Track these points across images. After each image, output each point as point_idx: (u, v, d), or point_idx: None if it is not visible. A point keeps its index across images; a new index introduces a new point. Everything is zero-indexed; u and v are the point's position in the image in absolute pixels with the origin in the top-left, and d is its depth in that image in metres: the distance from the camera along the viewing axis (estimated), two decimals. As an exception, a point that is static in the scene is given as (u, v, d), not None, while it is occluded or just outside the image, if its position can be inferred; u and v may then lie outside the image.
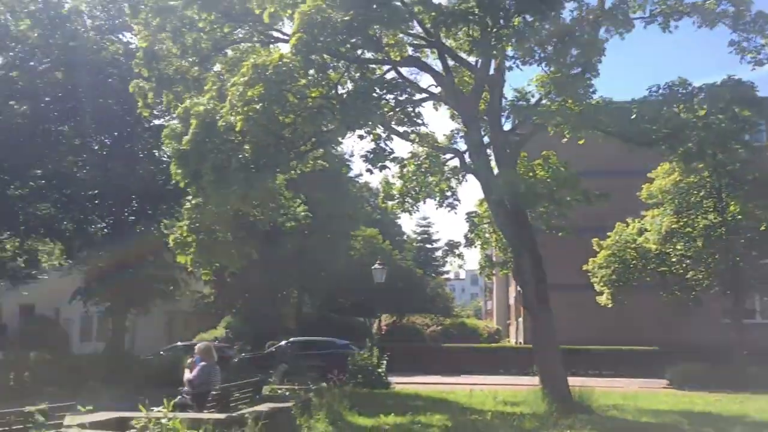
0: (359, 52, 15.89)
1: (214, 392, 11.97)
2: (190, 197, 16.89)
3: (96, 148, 27.38)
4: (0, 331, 37.42)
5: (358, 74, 16.26)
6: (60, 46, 24.83)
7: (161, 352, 28.83)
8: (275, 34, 17.82)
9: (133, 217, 27.74)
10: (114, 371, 23.86)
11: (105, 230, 28.04)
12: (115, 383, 21.28)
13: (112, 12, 26.76)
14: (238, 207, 16.38)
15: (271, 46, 18.22)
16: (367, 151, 16.00)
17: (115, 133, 26.84)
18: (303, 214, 24.61)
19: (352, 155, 44.47)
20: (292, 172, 18.92)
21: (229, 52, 18.51)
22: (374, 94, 14.99)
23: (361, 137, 16.23)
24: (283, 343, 27.57)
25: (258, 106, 13.78)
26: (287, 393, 16.21)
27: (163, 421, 8.51)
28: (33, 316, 39.67)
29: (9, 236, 28.97)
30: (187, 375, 12.43)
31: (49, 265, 33.15)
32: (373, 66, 17.31)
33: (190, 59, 17.51)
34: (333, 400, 15.57)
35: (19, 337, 35.35)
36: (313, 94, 14.96)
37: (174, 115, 17.14)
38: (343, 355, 25.01)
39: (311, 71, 14.72)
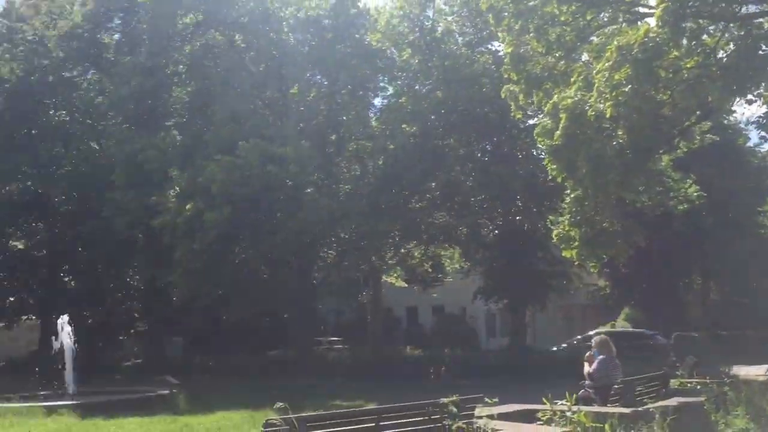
0: (739, 7, 14.21)
1: (616, 386, 11.72)
2: (568, 191, 16.88)
3: (479, 155, 29.05)
4: (395, 326, 41.57)
5: (741, 32, 14.53)
6: (437, 67, 26.97)
7: (563, 346, 29.27)
8: (641, 9, 16.89)
9: (519, 217, 28.71)
10: (517, 365, 24.98)
11: (495, 232, 29.52)
12: (518, 376, 22.24)
13: (479, 25, 28.18)
14: (619, 195, 15.87)
15: (639, 22, 17.31)
16: (759, 117, 14.21)
17: (495, 139, 28.15)
18: (696, 194, 22.79)
19: (747, 123, 39.85)
20: (678, 150, 17.70)
21: (595, 39, 18.06)
22: (760, 52, 13.25)
23: (749, 102, 14.44)
24: (590, 332, 26.00)
25: (627, 89, 13.16)
26: (698, 387, 15.09)
27: (568, 414, 8.59)
28: (443, 315, 43.48)
29: (415, 245, 32.39)
30: (587, 368, 12.40)
31: (451, 268, 36.14)
32: (760, 20, 15.31)
33: (556, 54, 17.49)
34: (754, 394, 14.05)
35: (432, 335, 39.14)
36: (688, 65, 13.77)
37: (544, 113, 17.33)
38: (652, 346, 22.74)
39: (683, 40, 13.58)
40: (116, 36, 36.87)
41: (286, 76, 29.03)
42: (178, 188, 27.13)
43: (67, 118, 37.45)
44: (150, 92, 30.00)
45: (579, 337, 30.51)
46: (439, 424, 8.85)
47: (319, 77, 30.72)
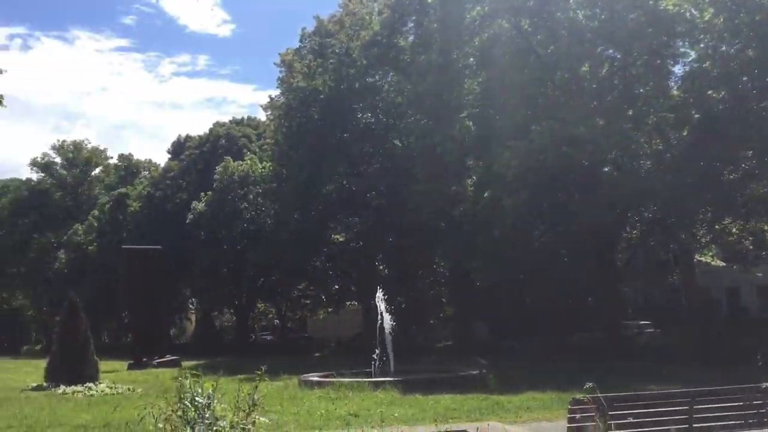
0: None
1: None
2: None
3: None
4: (711, 307, 38.00)
5: None
6: (747, 23, 24.33)
7: None
8: None
9: None
10: None
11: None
12: None
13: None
14: None
15: None
16: None
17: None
18: None
19: None
20: None
21: None
22: None
23: None
24: None
25: None
26: None
27: None
28: (771, 297, 39.27)
29: (731, 220, 29.67)
30: None
31: (778, 244, 32.42)
32: None
33: None
34: None
35: (759, 319, 35.52)
36: None
37: None
38: None
39: None
40: (410, 38, 39.24)
41: (576, 55, 28.35)
42: (475, 177, 28.08)
43: (372, 120, 40.93)
44: (444, 87, 31.37)
45: None
46: (762, 410, 8.19)
47: (610, 51, 29.50)
